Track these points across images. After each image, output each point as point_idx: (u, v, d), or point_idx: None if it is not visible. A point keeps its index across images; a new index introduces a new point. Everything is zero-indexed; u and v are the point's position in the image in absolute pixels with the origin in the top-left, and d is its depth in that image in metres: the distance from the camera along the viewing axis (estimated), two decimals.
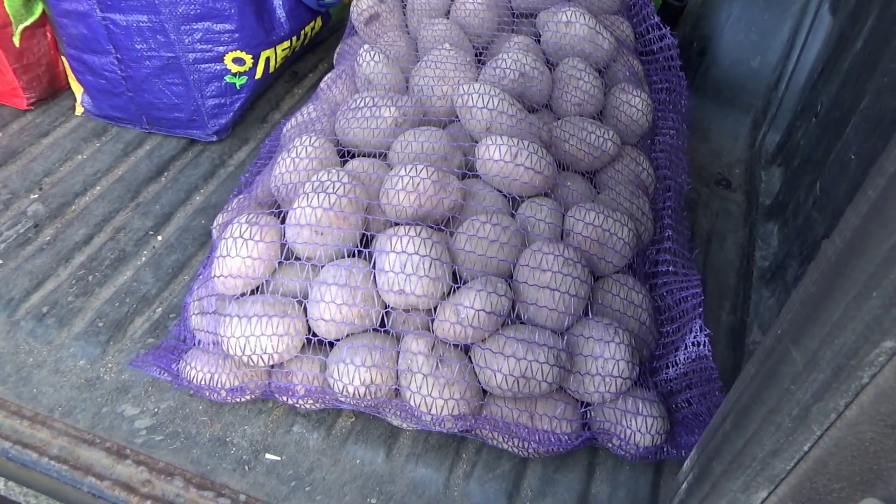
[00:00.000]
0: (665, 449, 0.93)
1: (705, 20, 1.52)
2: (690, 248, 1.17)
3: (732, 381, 1.06)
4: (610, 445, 0.93)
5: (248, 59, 1.35)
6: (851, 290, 0.33)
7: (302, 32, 1.46)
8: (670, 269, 1.06)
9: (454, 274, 0.92)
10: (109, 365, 1.05)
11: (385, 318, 0.92)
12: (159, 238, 1.24)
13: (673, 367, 0.98)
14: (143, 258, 1.20)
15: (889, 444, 0.36)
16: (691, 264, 1.11)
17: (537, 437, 0.91)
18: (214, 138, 1.41)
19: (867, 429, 0.37)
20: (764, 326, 1.08)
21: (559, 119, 1.13)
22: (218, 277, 0.93)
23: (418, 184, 0.94)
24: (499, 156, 0.98)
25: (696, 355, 0.97)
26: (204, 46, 1.31)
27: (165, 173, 1.36)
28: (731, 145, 1.48)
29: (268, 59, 1.39)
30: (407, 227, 0.91)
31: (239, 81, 1.37)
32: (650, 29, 1.37)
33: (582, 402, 0.93)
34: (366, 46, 1.16)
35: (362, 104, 1.07)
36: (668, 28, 1.36)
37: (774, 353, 0.39)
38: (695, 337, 0.97)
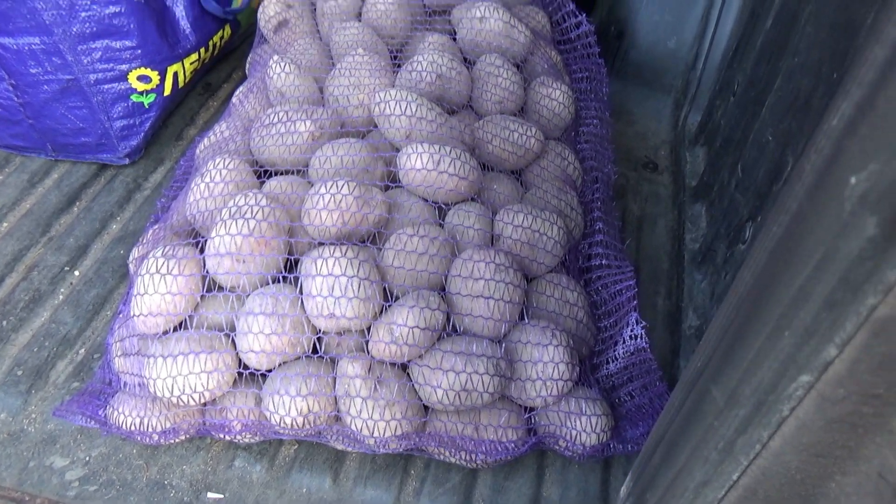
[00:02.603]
0: (611, 445, 0.93)
1: (621, 3, 1.52)
2: (622, 237, 1.17)
3: (672, 367, 1.08)
4: (557, 447, 0.93)
5: (154, 75, 1.29)
6: (764, 329, 0.32)
7: (210, 43, 1.40)
8: (603, 262, 1.06)
9: (385, 291, 0.90)
10: (33, 415, 1.00)
11: (317, 343, 0.89)
12: (76, 273, 1.18)
13: (613, 362, 0.98)
14: (61, 296, 1.14)
15: (814, 471, 0.36)
16: (624, 255, 1.11)
17: (484, 448, 0.89)
18: (127, 161, 1.34)
19: (792, 458, 0.36)
20: (698, 310, 1.09)
21: (481, 119, 1.11)
22: (137, 317, 0.88)
23: (340, 201, 0.91)
24: (421, 164, 0.96)
25: (634, 348, 0.97)
26: (105, 66, 1.24)
27: (77, 203, 1.29)
28: (656, 127, 1.49)
29: (175, 74, 1.33)
30: (332, 247, 0.88)
31: (147, 100, 1.30)
32: (566, 17, 1.36)
33: (526, 408, 0.93)
34: (275, 57, 1.11)
35: (276, 119, 1.03)
36: (585, 14, 1.35)
37: (696, 389, 0.38)
38: (631, 330, 0.97)
